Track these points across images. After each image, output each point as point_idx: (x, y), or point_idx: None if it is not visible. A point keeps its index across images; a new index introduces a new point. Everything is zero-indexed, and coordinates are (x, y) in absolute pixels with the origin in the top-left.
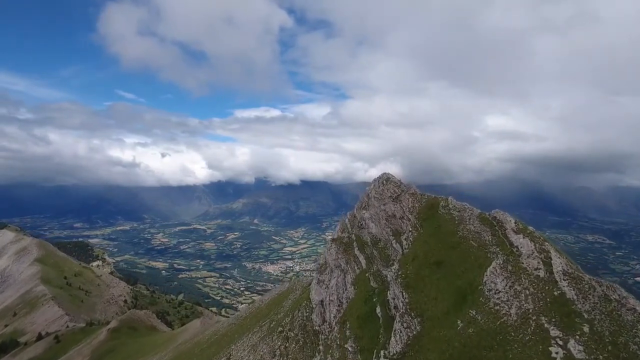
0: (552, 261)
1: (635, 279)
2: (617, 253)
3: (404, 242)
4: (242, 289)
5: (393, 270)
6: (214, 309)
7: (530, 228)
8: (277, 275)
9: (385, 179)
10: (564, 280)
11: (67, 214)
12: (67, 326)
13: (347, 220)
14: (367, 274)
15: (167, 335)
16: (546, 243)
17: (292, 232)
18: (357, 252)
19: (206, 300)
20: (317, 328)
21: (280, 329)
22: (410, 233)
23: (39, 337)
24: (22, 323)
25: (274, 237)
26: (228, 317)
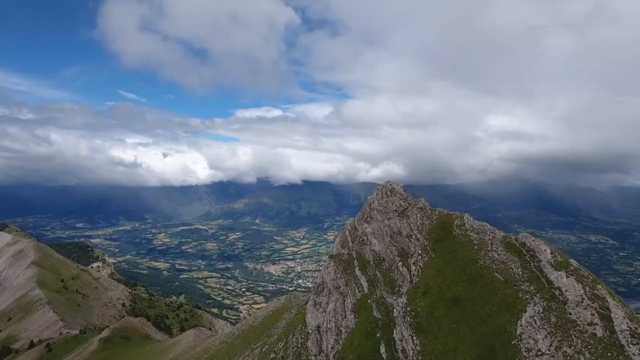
0: (612, 314)
1: (639, 279)
2: (620, 253)
3: (413, 267)
4: (243, 289)
5: (400, 303)
6: (215, 309)
7: (574, 262)
8: (278, 275)
9: (389, 190)
10: (632, 344)
11: (69, 214)
12: (60, 333)
13: (347, 232)
14: (369, 300)
15: (160, 346)
16: (599, 286)
17: (293, 232)
18: (357, 272)
19: (207, 301)
20: (312, 358)
21: (272, 355)
22: (420, 257)
23: (31, 345)
24: (16, 329)
25: (275, 237)
26: (228, 317)
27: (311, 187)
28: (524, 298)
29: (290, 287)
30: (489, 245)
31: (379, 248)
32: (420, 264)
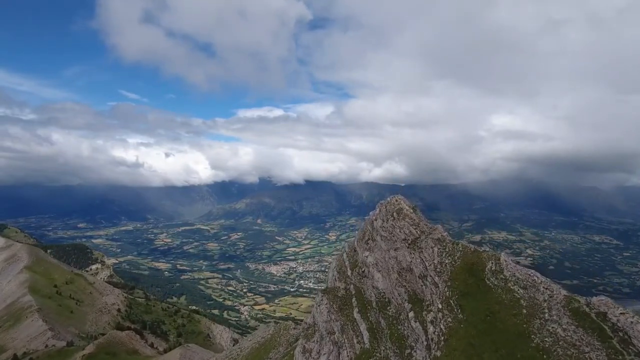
0: None
1: None
2: (624, 254)
3: (430, 327)
4: (244, 290)
5: None
6: (216, 311)
7: None
8: (280, 276)
9: (396, 210)
10: None
11: (71, 214)
12: (47, 345)
13: (345, 255)
14: None
15: None
16: None
17: (295, 232)
18: (356, 315)
19: (208, 302)
20: None
21: None
22: (441, 315)
23: (15, 359)
24: (4, 338)
25: (277, 237)
26: (229, 318)
27: (313, 187)
28: None
29: (292, 287)
30: (546, 310)
31: (383, 285)
32: (442, 326)
